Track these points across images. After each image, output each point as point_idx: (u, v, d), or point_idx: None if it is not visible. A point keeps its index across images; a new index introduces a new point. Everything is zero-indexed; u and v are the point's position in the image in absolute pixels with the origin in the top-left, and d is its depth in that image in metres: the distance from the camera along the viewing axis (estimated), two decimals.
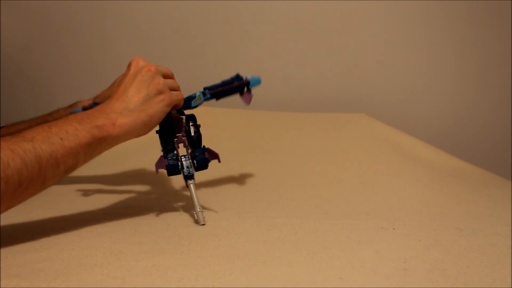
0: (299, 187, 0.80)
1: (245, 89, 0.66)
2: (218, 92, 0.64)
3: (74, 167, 0.49)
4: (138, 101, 0.53)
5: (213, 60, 1.30)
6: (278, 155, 0.96)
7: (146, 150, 0.92)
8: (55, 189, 0.74)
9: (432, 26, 1.26)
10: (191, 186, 0.59)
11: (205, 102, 0.65)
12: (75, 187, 0.76)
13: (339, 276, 0.43)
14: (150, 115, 0.54)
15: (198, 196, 0.59)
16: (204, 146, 0.62)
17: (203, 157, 0.60)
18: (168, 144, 0.60)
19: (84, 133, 0.48)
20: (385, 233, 0.57)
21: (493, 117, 1.29)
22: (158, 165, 0.59)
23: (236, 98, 0.67)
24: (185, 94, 0.62)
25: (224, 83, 0.65)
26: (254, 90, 0.67)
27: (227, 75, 0.67)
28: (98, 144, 0.50)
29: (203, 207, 0.59)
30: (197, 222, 0.58)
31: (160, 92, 0.55)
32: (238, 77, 0.66)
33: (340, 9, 1.26)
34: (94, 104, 0.64)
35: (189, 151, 0.62)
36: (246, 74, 0.67)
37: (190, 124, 0.62)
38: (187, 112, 0.64)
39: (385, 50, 1.28)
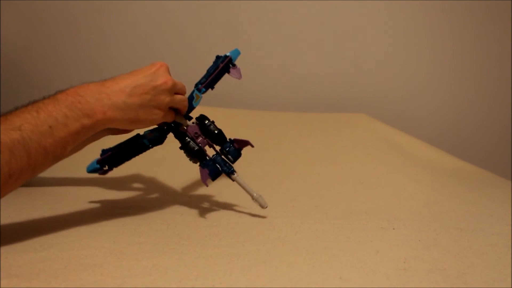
0: (299, 187, 0.80)
1: (230, 66, 0.66)
2: (210, 81, 0.64)
3: (63, 155, 0.48)
4: (137, 102, 0.53)
5: (212, 59, 1.30)
6: (278, 155, 0.96)
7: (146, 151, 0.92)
8: (55, 189, 0.74)
9: (432, 26, 1.26)
10: (237, 178, 0.60)
11: (203, 102, 0.65)
12: (75, 187, 0.76)
13: (339, 276, 0.43)
14: (139, 119, 0.54)
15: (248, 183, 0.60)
16: (230, 139, 0.63)
17: (234, 148, 0.63)
18: (200, 156, 0.61)
19: (73, 122, 0.48)
20: (385, 233, 0.57)
21: (493, 117, 1.29)
22: (204, 177, 0.59)
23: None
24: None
25: (211, 70, 0.65)
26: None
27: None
28: (86, 132, 0.50)
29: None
30: (261, 206, 0.60)
31: (158, 108, 0.56)
32: (219, 58, 0.66)
33: (340, 9, 1.26)
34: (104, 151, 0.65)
35: (218, 149, 0.63)
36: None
37: (207, 124, 0.63)
38: (195, 114, 0.64)
39: (385, 50, 1.28)
